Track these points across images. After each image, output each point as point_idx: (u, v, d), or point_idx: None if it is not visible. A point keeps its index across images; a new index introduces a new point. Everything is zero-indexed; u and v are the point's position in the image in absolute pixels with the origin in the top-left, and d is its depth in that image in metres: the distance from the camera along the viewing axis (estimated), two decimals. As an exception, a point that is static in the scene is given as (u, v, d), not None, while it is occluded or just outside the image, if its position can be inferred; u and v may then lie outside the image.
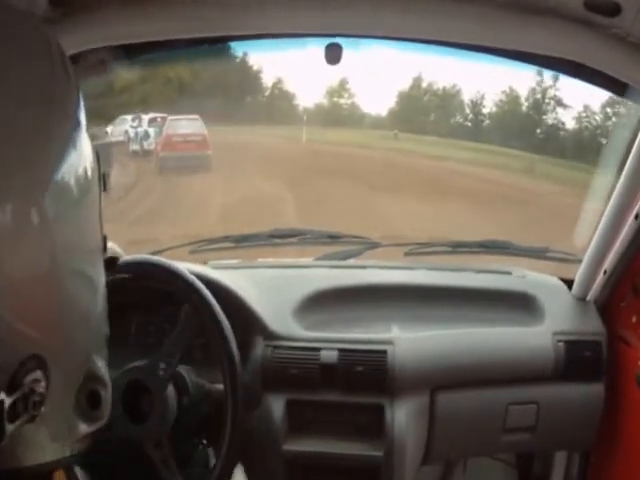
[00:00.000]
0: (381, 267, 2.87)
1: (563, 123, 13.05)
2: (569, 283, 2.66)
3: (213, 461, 2.18)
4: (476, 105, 14.61)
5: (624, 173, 2.20)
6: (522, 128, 14.01)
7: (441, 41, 1.92)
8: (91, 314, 1.01)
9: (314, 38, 1.95)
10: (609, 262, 2.42)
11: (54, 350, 0.91)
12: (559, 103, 12.65)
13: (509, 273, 2.79)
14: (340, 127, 16.20)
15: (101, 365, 1.03)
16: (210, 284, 2.25)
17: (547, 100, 12.96)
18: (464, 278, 2.77)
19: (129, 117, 14.15)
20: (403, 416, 2.31)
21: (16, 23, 0.93)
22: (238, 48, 2.05)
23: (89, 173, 0.99)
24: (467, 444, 2.54)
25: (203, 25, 1.87)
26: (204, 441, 2.24)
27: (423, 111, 16.33)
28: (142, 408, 2.11)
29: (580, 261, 2.57)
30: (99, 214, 1.04)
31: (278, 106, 16.09)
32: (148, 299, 2.36)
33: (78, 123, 0.98)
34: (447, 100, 15.81)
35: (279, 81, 15.27)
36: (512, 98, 14.20)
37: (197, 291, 2.14)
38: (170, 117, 13.67)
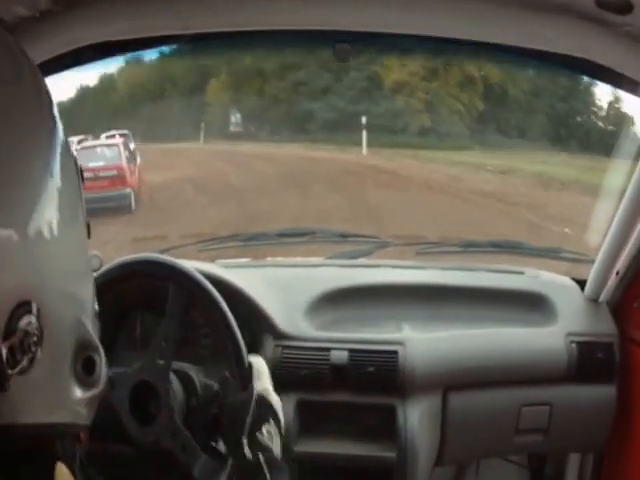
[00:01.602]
0: (392, 266, 2.85)
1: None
2: (581, 283, 2.64)
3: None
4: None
5: (636, 173, 2.17)
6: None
7: (451, 38, 1.91)
8: (76, 274, 1.03)
9: (324, 35, 1.94)
10: (622, 263, 2.40)
11: (47, 301, 0.92)
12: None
13: (521, 273, 2.77)
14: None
15: (92, 332, 1.03)
16: (218, 283, 2.23)
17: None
18: (476, 278, 2.75)
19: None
20: (415, 417, 2.30)
21: None
22: (243, 45, 2.03)
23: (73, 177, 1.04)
24: (480, 445, 2.53)
25: (207, 21, 1.86)
26: (213, 443, 2.23)
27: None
28: (151, 409, 2.10)
29: (592, 261, 2.55)
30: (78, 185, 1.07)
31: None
32: (153, 299, 2.35)
33: (54, 137, 0.99)
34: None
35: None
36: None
37: (205, 291, 2.13)
38: (81, 142, 11.30)
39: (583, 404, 2.46)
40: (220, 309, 2.10)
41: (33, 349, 0.89)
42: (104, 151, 11.65)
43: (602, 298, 2.57)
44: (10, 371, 0.85)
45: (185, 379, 2.15)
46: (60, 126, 1.01)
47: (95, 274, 1.95)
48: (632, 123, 2.39)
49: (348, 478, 2.34)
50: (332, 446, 2.32)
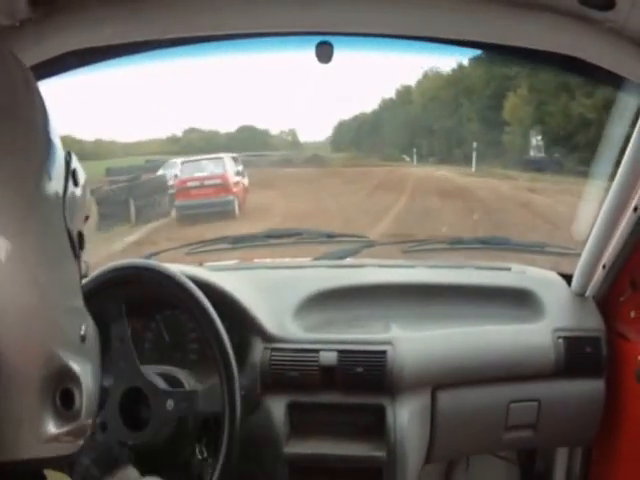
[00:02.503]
0: (379, 266, 2.85)
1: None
2: (568, 278, 2.65)
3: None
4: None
5: (622, 166, 2.17)
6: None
7: (433, 37, 1.90)
8: (57, 309, 0.99)
9: (305, 37, 1.93)
10: (608, 256, 2.40)
11: (6, 340, 0.89)
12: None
13: (508, 269, 2.78)
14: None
15: (74, 364, 0.99)
16: (206, 286, 2.23)
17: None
18: (463, 275, 2.76)
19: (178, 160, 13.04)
20: (404, 416, 2.30)
21: None
22: (226, 48, 2.02)
23: (59, 190, 0.99)
24: (469, 442, 2.54)
25: (189, 25, 1.84)
26: (204, 447, 2.22)
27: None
28: (142, 415, 2.10)
29: (578, 255, 2.56)
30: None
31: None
32: (144, 304, 2.34)
33: (49, 143, 0.97)
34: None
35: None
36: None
37: (191, 294, 2.12)
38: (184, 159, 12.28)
39: (571, 399, 2.47)
40: (208, 313, 2.10)
41: None
42: (209, 164, 12.67)
43: (589, 292, 2.57)
44: None
45: (175, 384, 2.16)
46: (52, 128, 0.98)
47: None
48: (617, 117, 2.39)
49: (339, 478, 2.34)
50: (322, 447, 2.32)
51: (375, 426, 2.32)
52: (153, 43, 1.93)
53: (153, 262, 2.25)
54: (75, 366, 0.99)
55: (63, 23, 1.75)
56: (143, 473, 2.03)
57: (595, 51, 1.78)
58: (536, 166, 16.44)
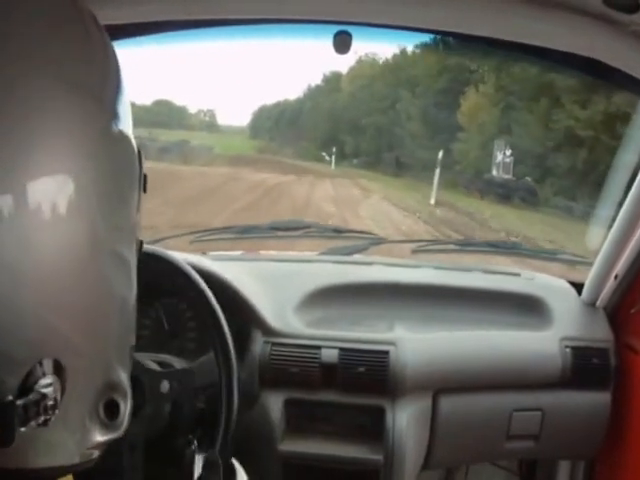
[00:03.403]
0: (387, 264, 2.82)
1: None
2: (578, 287, 2.62)
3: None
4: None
5: (638, 176, 2.15)
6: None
7: (454, 33, 1.89)
8: (119, 323, 0.99)
9: (323, 25, 1.90)
10: (620, 267, 2.37)
11: (74, 355, 0.88)
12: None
13: (517, 275, 2.75)
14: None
15: (123, 376, 0.99)
16: (208, 275, 2.20)
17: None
18: (471, 278, 2.72)
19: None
20: (404, 419, 2.27)
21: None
22: (242, 33, 2.00)
23: (127, 161, 0.97)
24: (469, 450, 2.50)
25: (207, 6, 1.83)
26: (197, 439, 2.20)
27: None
28: (136, 401, 2.07)
29: (590, 264, 2.53)
30: (137, 218, 1.01)
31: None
32: (144, 291, 2.31)
33: (118, 110, 0.95)
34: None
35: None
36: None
37: (193, 283, 2.09)
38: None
39: (576, 410, 2.43)
40: (209, 303, 2.07)
41: (49, 412, 0.85)
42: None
43: (599, 303, 2.54)
44: (21, 428, 0.81)
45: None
46: (123, 97, 0.97)
47: None
48: (635, 126, 2.36)
49: (333, 479, 2.31)
50: (318, 446, 2.29)
51: (373, 428, 2.28)
52: (171, 24, 1.92)
53: (156, 248, 2.22)
54: (124, 378, 1.00)
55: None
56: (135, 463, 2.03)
57: (616, 54, 1.78)
58: (499, 191, 12.53)
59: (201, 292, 2.08)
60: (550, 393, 2.42)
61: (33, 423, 0.82)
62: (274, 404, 2.29)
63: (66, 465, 0.94)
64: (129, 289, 1.00)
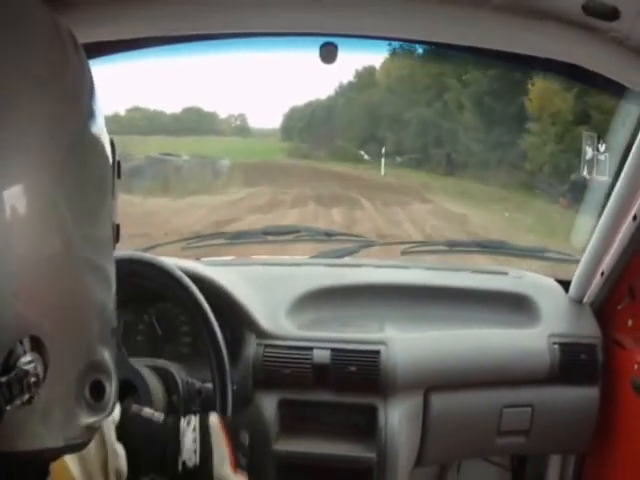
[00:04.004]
0: (376, 266, 2.86)
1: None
2: (565, 284, 2.65)
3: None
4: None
5: (623, 174, 2.19)
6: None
7: (438, 43, 1.91)
8: (98, 303, 1.00)
9: (309, 37, 1.93)
10: (606, 264, 2.40)
11: (54, 334, 0.89)
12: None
13: (505, 274, 2.78)
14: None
15: (107, 356, 1.00)
16: (201, 281, 2.23)
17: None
18: (460, 278, 2.76)
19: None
20: (396, 417, 2.29)
21: (19, 7, 0.92)
22: (230, 47, 2.03)
23: (103, 163, 1.00)
24: (461, 446, 2.53)
25: (197, 22, 1.86)
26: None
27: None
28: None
29: (577, 261, 2.56)
30: (112, 203, 1.04)
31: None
32: (137, 297, 2.34)
33: (92, 112, 0.97)
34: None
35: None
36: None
37: (185, 288, 2.12)
38: None
39: (565, 406, 2.46)
40: (201, 308, 2.10)
41: (33, 389, 0.87)
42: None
43: (586, 299, 2.58)
44: (6, 406, 0.83)
45: (166, 377, 2.15)
46: (97, 100, 0.99)
47: None
48: (618, 126, 2.39)
49: (327, 477, 2.33)
50: (312, 446, 2.31)
51: (366, 426, 2.31)
52: (156, 40, 1.94)
53: (148, 255, 2.25)
54: (107, 358, 1.01)
55: (68, 20, 1.75)
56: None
57: (598, 60, 1.81)
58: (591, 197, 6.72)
59: (193, 297, 2.11)
60: (539, 389, 2.45)
61: (18, 401, 0.85)
62: (268, 405, 2.32)
63: (53, 447, 0.96)
64: (104, 274, 1.02)
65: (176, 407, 2.14)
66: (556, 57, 1.83)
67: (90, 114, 0.97)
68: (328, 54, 1.93)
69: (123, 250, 2.27)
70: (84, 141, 0.95)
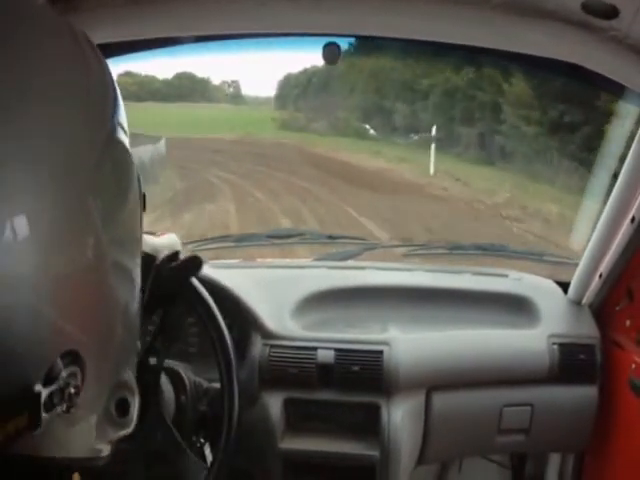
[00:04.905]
0: (379, 268, 2.89)
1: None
2: (564, 286, 2.68)
3: (210, 459, 2.18)
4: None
5: (621, 176, 2.21)
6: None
7: (439, 42, 1.94)
8: (129, 312, 1.04)
9: (313, 37, 1.97)
10: (605, 266, 2.44)
11: (91, 350, 0.94)
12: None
13: (505, 276, 2.82)
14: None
15: (131, 375, 1.05)
16: (208, 282, 2.25)
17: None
18: (461, 280, 2.78)
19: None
20: (399, 416, 2.33)
21: (38, 17, 0.94)
22: (233, 47, 2.07)
23: (130, 175, 1.03)
24: (462, 445, 2.56)
25: (202, 23, 1.89)
26: (202, 440, 2.24)
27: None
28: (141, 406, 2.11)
29: (576, 264, 2.59)
30: (140, 218, 1.06)
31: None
32: (146, 298, 2.36)
33: (115, 125, 1.00)
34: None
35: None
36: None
37: (193, 290, 2.14)
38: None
39: (564, 405, 2.49)
40: (209, 308, 2.12)
41: (72, 400, 0.91)
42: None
43: (585, 301, 2.61)
44: (45, 414, 0.87)
45: (174, 377, 2.17)
46: (121, 112, 1.01)
47: None
48: (617, 126, 2.41)
49: (332, 475, 2.36)
50: (317, 444, 2.35)
51: (369, 425, 2.34)
52: (162, 40, 1.98)
53: None
54: (131, 377, 1.06)
55: (80, 20, 1.79)
56: (137, 465, 2.07)
57: (597, 59, 1.83)
58: None
59: (202, 298, 2.14)
60: (539, 388, 2.48)
61: (58, 409, 0.89)
62: (274, 404, 2.35)
63: (78, 458, 1.01)
64: (132, 296, 1.05)
65: (184, 407, 2.17)
66: (555, 56, 1.85)
67: (114, 127, 1.00)
68: (331, 54, 1.97)
69: None
70: (112, 152, 0.98)
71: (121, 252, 0.99)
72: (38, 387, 0.86)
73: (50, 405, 0.88)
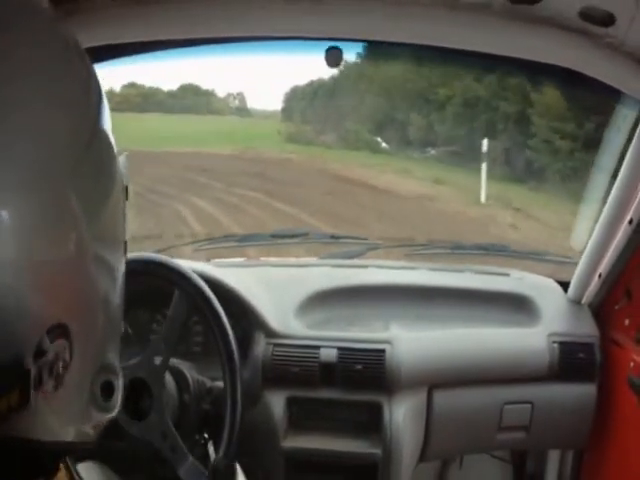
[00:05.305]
0: (382, 267, 2.91)
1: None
2: (565, 285, 2.71)
3: (213, 457, 2.21)
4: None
5: (619, 178, 2.23)
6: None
7: (438, 47, 1.96)
8: (110, 303, 1.04)
9: (315, 41, 1.98)
10: (604, 266, 2.46)
11: (77, 327, 0.93)
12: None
13: (507, 275, 2.84)
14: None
15: (115, 356, 1.06)
16: (212, 282, 2.29)
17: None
18: (463, 279, 2.81)
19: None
20: (401, 414, 2.35)
21: (24, 16, 0.94)
22: (236, 50, 2.08)
23: (113, 170, 1.03)
24: (463, 442, 2.59)
25: (204, 25, 1.91)
26: (205, 437, 2.26)
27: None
28: (144, 405, 2.13)
29: (576, 264, 2.61)
30: (123, 208, 1.08)
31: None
32: (150, 297, 2.39)
33: (102, 112, 1.01)
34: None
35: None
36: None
37: (197, 287, 2.18)
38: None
39: (564, 403, 2.52)
40: (213, 307, 2.15)
41: (61, 373, 0.92)
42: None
43: (584, 300, 2.63)
44: (34, 390, 0.87)
45: (178, 375, 2.20)
46: (106, 110, 1.02)
47: None
48: (614, 129, 2.43)
49: (335, 474, 2.39)
50: (319, 442, 2.37)
51: (372, 423, 2.36)
52: (166, 43, 1.99)
53: (161, 256, 2.29)
54: (115, 358, 1.07)
55: (83, 22, 1.81)
56: (137, 465, 2.11)
57: (594, 65, 1.85)
58: None
59: (206, 297, 2.16)
60: (539, 386, 2.50)
61: (46, 387, 0.89)
62: (276, 402, 2.37)
63: (64, 441, 1.00)
64: (113, 285, 1.05)
65: (187, 405, 2.20)
66: (553, 62, 1.86)
67: (100, 113, 1.00)
68: (333, 58, 1.99)
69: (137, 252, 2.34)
70: (97, 139, 0.98)
71: (103, 244, 0.99)
72: (28, 361, 0.86)
73: (39, 380, 0.88)
